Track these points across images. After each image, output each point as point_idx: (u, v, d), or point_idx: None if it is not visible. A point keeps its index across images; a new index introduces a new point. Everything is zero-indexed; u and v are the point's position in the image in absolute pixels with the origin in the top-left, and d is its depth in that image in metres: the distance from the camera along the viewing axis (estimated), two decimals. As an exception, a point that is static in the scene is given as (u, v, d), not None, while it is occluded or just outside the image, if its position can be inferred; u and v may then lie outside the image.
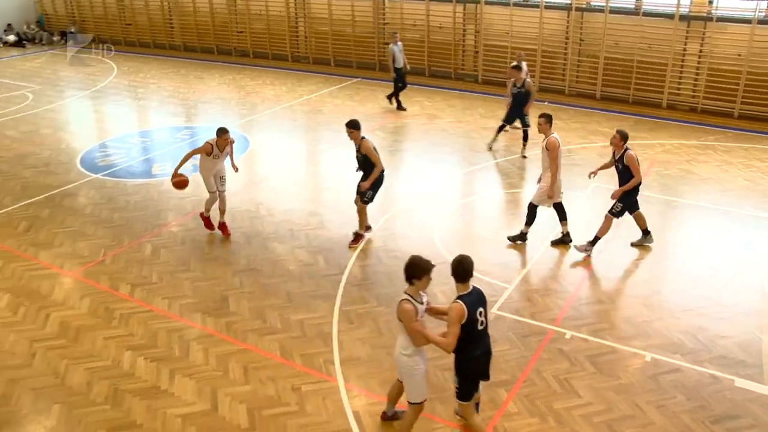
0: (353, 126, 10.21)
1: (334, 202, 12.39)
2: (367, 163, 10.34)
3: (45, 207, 12.35)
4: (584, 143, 15.79)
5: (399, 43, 18.11)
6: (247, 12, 25.46)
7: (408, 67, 18.54)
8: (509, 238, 10.82)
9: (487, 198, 12.79)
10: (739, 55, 17.84)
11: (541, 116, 10.63)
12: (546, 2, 20.00)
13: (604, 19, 19.33)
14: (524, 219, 10.81)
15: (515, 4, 20.47)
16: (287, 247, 10.81)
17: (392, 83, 18.53)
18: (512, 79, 14.86)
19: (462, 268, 6.15)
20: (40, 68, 24.77)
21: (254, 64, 24.79)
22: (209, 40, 26.63)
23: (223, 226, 11.19)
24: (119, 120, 18.26)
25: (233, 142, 11.01)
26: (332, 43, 24.14)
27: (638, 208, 10.58)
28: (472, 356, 6.24)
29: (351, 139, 10.34)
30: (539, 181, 10.76)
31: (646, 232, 10.79)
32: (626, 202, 10.34)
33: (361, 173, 10.58)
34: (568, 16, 20.06)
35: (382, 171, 10.40)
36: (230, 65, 24.79)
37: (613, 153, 10.39)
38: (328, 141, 16.09)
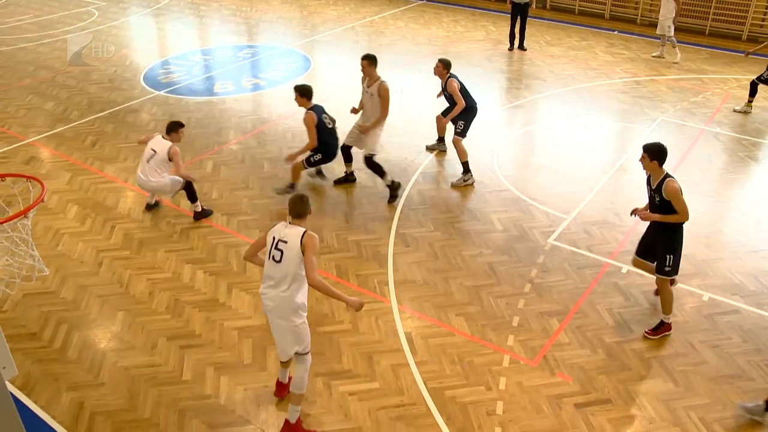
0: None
1: (393, 125, 12.29)
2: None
3: (109, 122, 12.61)
4: (654, 75, 15.18)
5: None
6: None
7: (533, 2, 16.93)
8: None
9: (548, 127, 12.50)
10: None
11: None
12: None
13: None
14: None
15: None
16: (345, 170, 10.85)
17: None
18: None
19: None
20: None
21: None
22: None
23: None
24: (182, 38, 18.32)
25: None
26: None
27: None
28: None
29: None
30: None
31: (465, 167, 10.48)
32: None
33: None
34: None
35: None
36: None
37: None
38: (390, 63, 15.85)
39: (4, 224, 7.04)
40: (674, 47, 16.24)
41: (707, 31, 18.34)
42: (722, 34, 18.28)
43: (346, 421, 6.26)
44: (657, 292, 7.63)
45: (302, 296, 5.81)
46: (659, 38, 16.46)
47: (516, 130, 12.44)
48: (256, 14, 20.55)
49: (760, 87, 13.10)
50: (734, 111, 13.22)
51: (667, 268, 7.05)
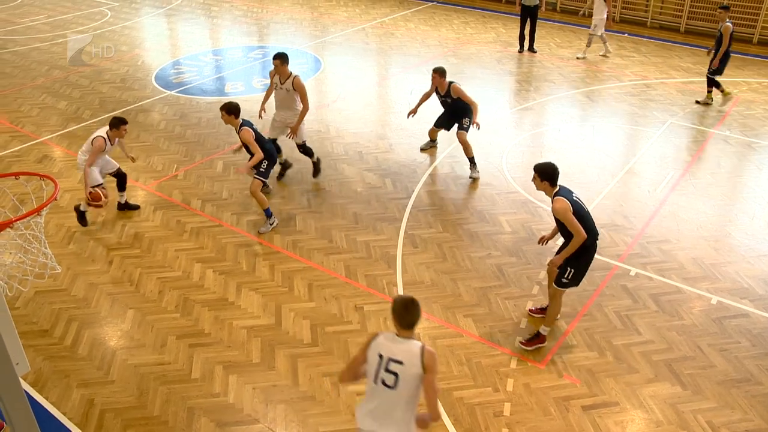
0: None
1: (403, 127, 12.34)
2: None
3: (122, 121, 12.69)
4: (663, 78, 15.15)
5: None
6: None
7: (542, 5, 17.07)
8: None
9: (557, 130, 12.51)
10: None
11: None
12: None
13: (696, -54, 18.26)
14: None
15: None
16: (355, 169, 10.89)
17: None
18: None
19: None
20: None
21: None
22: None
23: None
24: (193, 38, 18.42)
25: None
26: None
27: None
28: None
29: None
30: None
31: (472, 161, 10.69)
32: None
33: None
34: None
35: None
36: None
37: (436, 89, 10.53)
38: (400, 65, 15.90)
39: (18, 222, 7.12)
40: (590, 44, 16.65)
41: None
42: (733, 37, 18.19)
43: (354, 421, 6.28)
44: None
45: (413, 418, 4.72)
46: (594, 36, 16.58)
47: (525, 132, 12.45)
48: (267, 15, 20.64)
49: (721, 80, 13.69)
50: (696, 102, 13.69)
51: (564, 279, 6.90)
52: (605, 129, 12.52)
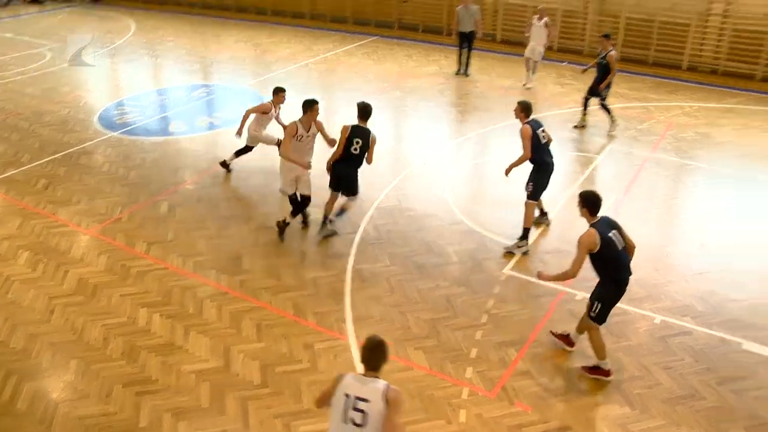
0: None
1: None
2: None
3: (63, 165, 12.48)
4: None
5: (470, 6, 17.40)
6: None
7: (477, 32, 17.79)
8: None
9: (500, 159, 12.70)
10: (766, 14, 17.43)
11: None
12: (567, -40, 19.69)
13: (626, -23, 19.00)
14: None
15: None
16: (301, 207, 10.88)
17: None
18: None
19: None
20: (59, 25, 24.77)
21: (272, 21, 24.63)
22: (226, -2, 26.44)
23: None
24: (137, 78, 18.27)
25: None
26: (350, 1, 23.88)
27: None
28: None
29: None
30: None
31: (542, 213, 10.40)
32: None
33: None
34: (589, -26, 19.69)
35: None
36: (248, 23, 24.64)
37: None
38: (343, 100, 16.03)
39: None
40: (534, 71, 17.11)
41: (650, 61, 18.95)
42: (664, 63, 18.91)
43: (306, 462, 6.22)
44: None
45: None
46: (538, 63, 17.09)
47: (469, 162, 12.65)
48: (210, 54, 20.61)
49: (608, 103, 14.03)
50: (574, 127, 14.14)
51: (591, 314, 7.08)
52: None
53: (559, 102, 15.76)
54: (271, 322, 8.09)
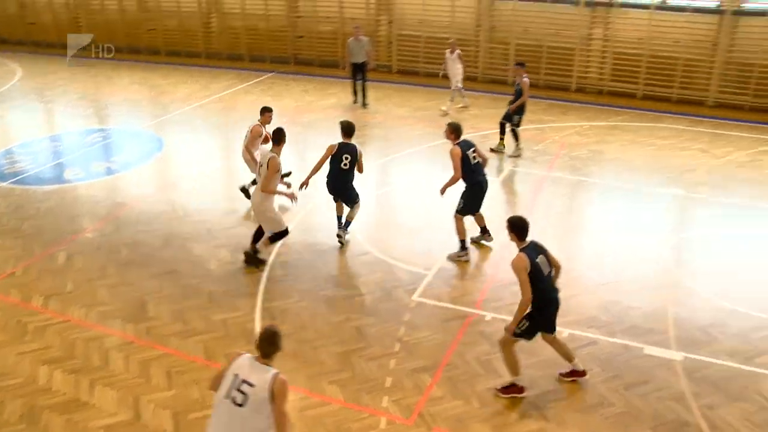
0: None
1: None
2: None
3: (-52, 220, 11.82)
4: (497, 128, 16.08)
5: (361, 37, 17.70)
6: (158, 9, 24.86)
7: (369, 62, 18.07)
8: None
9: (403, 188, 12.93)
10: (640, 39, 18.61)
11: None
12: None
13: (513, 6, 19.83)
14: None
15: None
16: (206, 247, 10.68)
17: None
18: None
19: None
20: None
21: (166, 62, 24.22)
22: (119, 39, 25.77)
23: None
24: (26, 125, 17.53)
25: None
26: (245, 38, 23.84)
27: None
28: None
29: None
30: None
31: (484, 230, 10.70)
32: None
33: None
34: (478, 4, 20.41)
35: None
36: (141, 64, 24.14)
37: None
38: (242, 138, 15.87)
39: None
40: (453, 99, 17.81)
41: (542, 84, 19.77)
42: (555, 86, 19.79)
43: None
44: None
45: None
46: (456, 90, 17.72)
47: (372, 192, 12.75)
48: (104, 97, 20.06)
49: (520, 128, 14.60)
50: (491, 150, 14.52)
51: (516, 330, 7.22)
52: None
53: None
54: (181, 368, 7.87)
